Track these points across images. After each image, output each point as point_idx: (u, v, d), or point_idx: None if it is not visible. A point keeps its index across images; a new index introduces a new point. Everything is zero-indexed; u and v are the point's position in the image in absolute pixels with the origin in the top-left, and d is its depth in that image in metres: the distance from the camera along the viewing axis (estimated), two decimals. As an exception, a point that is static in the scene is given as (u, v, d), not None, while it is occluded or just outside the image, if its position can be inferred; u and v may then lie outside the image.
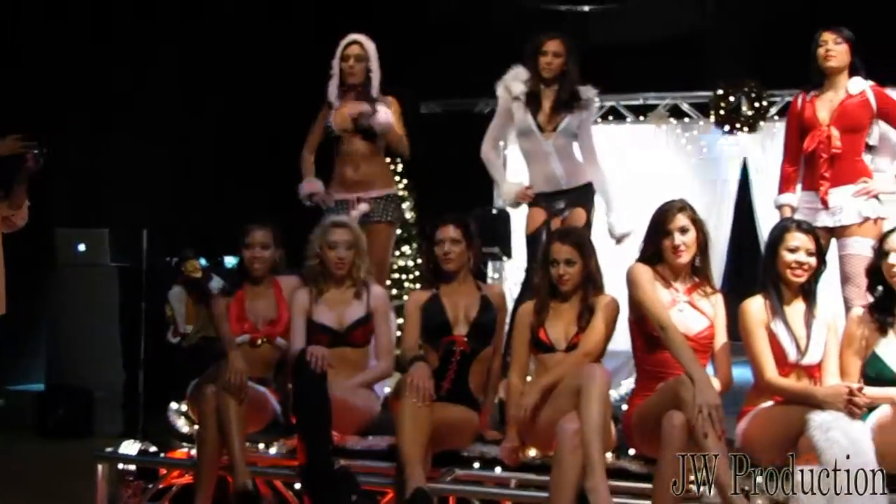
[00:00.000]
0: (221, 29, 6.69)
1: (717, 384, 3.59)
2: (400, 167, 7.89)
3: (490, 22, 8.15)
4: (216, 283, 6.19)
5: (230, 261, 6.63)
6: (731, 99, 7.71)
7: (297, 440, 3.82)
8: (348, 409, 4.00)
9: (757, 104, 7.64)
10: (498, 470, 3.85)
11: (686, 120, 8.05)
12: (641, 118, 8.12)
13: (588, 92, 4.78)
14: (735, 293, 4.00)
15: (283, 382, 4.29)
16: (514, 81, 4.79)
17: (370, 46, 4.98)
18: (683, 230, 3.78)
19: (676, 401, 3.35)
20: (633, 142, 8.00)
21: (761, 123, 7.59)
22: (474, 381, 4.07)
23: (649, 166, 7.81)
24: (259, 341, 4.29)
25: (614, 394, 4.83)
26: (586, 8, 8.45)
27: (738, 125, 7.71)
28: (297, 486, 3.93)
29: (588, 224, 4.71)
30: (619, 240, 4.77)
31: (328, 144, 5.04)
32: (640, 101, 8.13)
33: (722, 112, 7.73)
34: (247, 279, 4.41)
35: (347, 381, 4.12)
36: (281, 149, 5.55)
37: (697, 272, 3.84)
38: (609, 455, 3.73)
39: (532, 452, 3.84)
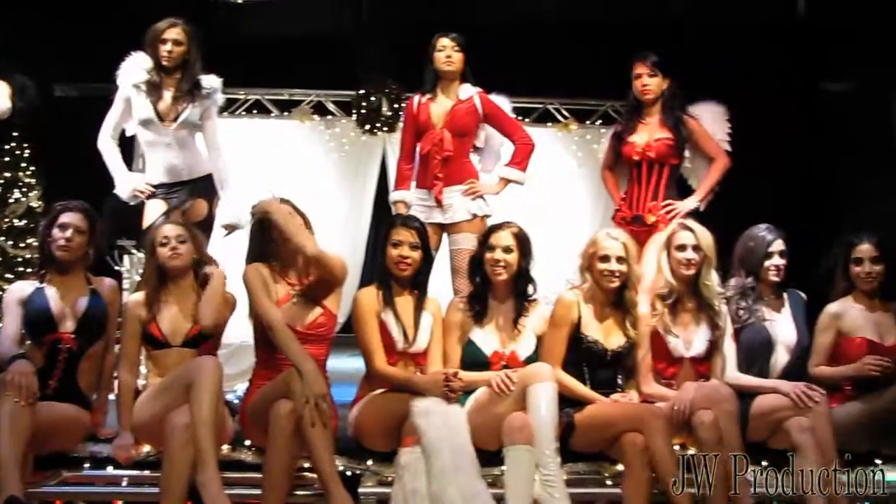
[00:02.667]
0: None
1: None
2: (27, 153, 7.33)
3: (135, 4, 7.80)
4: None
5: None
6: (373, 99, 7.98)
7: None
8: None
9: (396, 105, 7.95)
10: (110, 469, 3.73)
11: (329, 117, 8.20)
12: (286, 113, 8.15)
13: (212, 81, 4.67)
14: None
15: None
16: (134, 69, 4.63)
17: None
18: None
19: (286, 391, 3.43)
20: (277, 137, 8.02)
21: (399, 124, 7.89)
22: (84, 378, 3.89)
23: (293, 161, 7.88)
24: None
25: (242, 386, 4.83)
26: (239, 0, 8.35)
27: (378, 124, 7.99)
28: None
29: (210, 215, 4.66)
30: (226, 230, 4.71)
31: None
32: (286, 97, 8.16)
33: (363, 111, 7.98)
34: None
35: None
36: None
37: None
38: (225, 447, 3.76)
39: (146, 449, 3.75)
